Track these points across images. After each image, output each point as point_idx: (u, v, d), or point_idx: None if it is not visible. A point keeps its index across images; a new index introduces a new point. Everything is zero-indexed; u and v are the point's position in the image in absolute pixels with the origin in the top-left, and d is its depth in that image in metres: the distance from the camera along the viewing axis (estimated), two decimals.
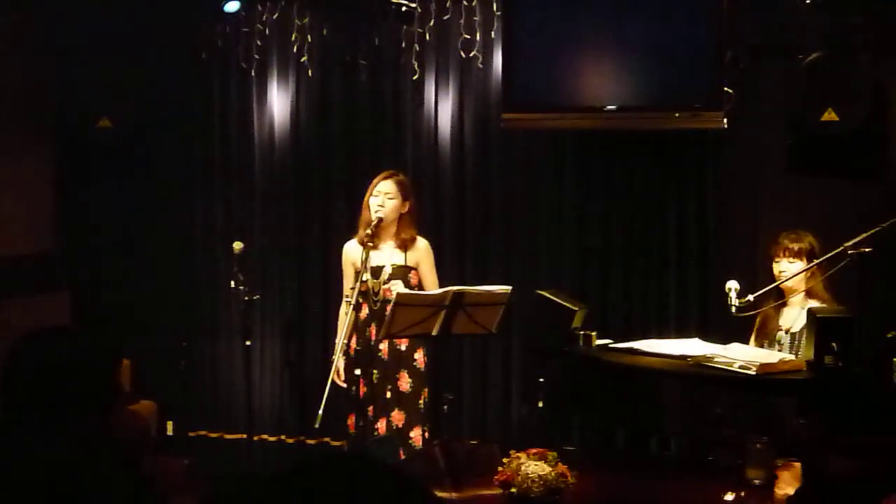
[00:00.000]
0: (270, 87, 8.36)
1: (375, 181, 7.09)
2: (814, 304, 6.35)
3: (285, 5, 8.21)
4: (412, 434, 7.01)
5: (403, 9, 7.67)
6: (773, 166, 7.59)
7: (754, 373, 5.35)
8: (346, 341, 6.89)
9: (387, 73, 8.17)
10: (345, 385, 7.02)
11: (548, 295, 6.22)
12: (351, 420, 7.11)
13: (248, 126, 8.44)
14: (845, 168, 7.40)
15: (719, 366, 5.51)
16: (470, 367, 8.09)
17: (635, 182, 7.79)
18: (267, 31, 8.30)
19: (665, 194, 7.73)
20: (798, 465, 4.97)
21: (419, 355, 7.09)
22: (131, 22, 8.15)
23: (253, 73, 8.36)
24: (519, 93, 7.55)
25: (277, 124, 8.36)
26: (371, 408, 7.06)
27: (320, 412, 6.44)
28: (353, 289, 6.86)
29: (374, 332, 6.94)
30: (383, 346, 7.02)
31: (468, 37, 7.91)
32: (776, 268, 6.58)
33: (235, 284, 7.41)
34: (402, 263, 7.07)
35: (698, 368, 5.59)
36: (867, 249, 6.00)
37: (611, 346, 6.18)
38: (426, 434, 6.99)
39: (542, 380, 6.15)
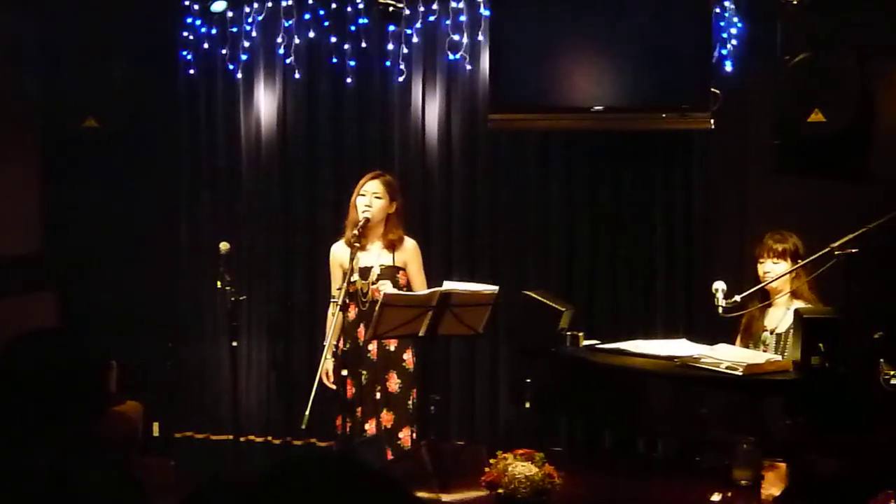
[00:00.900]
0: (257, 89, 8.34)
1: (362, 181, 7.09)
2: (799, 304, 6.35)
3: (272, 6, 8.20)
4: (401, 435, 7.01)
5: (390, 9, 7.66)
6: (760, 167, 7.60)
7: (741, 373, 5.36)
8: (334, 342, 6.90)
9: (374, 74, 8.16)
10: (334, 387, 7.02)
11: (535, 296, 6.22)
12: (338, 421, 7.12)
13: (235, 127, 8.42)
14: (832, 169, 7.41)
15: (706, 366, 5.52)
16: (457, 368, 8.08)
17: (622, 183, 7.79)
18: (253, 33, 8.29)
19: (652, 195, 7.73)
20: (784, 465, 4.97)
21: (408, 356, 7.09)
22: (117, 22, 8.14)
23: (239, 75, 8.34)
24: (506, 94, 7.56)
25: (264, 125, 8.34)
26: (360, 409, 7.07)
27: (307, 413, 6.44)
28: (339, 289, 6.86)
29: (362, 332, 6.94)
30: (372, 346, 7.02)
31: (455, 38, 7.90)
32: (761, 269, 6.59)
33: (222, 285, 7.41)
34: (391, 264, 7.07)
35: (685, 369, 5.60)
36: (853, 250, 6.02)
37: (598, 346, 6.19)
38: (415, 435, 6.99)
39: (529, 380, 6.14)
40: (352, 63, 8.12)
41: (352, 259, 6.85)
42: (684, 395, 5.60)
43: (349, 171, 8.02)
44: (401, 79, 8.07)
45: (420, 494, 5.11)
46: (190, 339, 8.54)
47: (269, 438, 8.42)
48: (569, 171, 7.88)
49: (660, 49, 7.28)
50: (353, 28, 8.08)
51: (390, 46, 8.05)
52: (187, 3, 8.31)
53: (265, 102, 8.34)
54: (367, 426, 7.04)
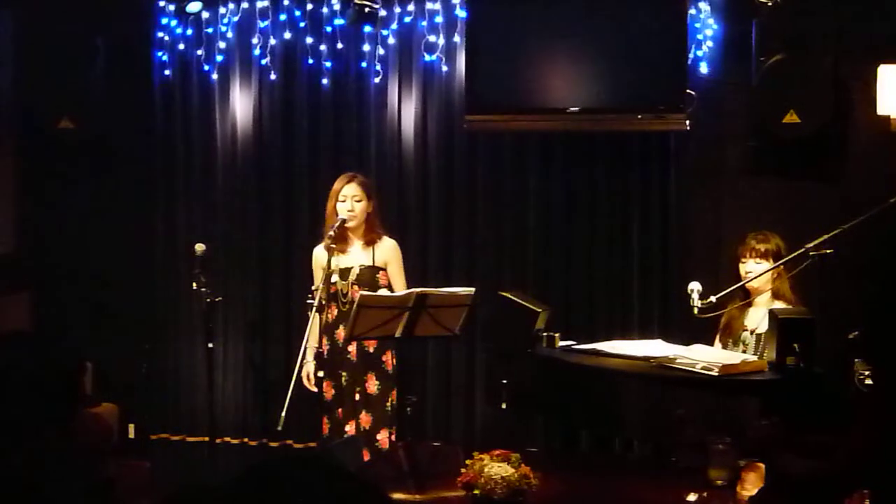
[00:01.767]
0: (233, 90, 8.32)
1: (338, 186, 7.08)
2: (779, 305, 6.38)
3: (247, 7, 8.18)
4: (379, 436, 7.02)
5: (366, 10, 7.65)
6: (736, 168, 7.63)
7: (716, 374, 5.37)
8: (314, 345, 6.91)
9: (350, 75, 8.15)
10: (315, 389, 7.02)
11: (511, 296, 6.22)
12: (324, 423, 7.13)
13: (211, 128, 8.40)
14: (807, 170, 7.44)
15: (682, 367, 5.52)
16: (433, 369, 8.08)
17: (598, 184, 7.80)
18: (229, 34, 8.27)
19: (628, 196, 7.74)
20: (762, 465, 4.98)
21: (388, 357, 7.09)
22: (92, 23, 8.12)
23: (215, 76, 8.32)
24: (482, 95, 7.57)
25: (240, 126, 8.32)
26: (340, 410, 7.07)
27: (283, 414, 6.44)
28: (315, 289, 6.85)
29: (341, 334, 6.94)
30: (352, 348, 7.03)
31: (431, 39, 7.90)
32: (742, 268, 6.60)
33: (197, 286, 7.39)
34: (371, 264, 7.07)
35: (661, 370, 5.60)
36: (828, 251, 6.05)
37: (574, 347, 6.19)
38: (393, 436, 6.99)
39: (505, 381, 6.14)
40: (328, 64, 8.11)
41: (329, 262, 6.84)
42: (660, 395, 5.60)
43: (325, 173, 8.02)
44: (377, 80, 8.06)
45: (396, 496, 5.12)
46: (166, 341, 8.52)
47: (246, 440, 8.40)
48: (545, 173, 7.88)
49: (635, 50, 7.31)
50: (329, 29, 8.07)
51: (366, 47, 8.04)
52: (162, 3, 8.29)
53: (241, 103, 8.32)
54: (347, 428, 7.04)
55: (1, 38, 8.16)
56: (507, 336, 6.22)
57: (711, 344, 6.55)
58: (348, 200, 7.03)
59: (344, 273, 7.03)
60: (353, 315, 6.27)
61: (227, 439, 8.36)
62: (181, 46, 8.37)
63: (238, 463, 8.23)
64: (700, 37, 7.53)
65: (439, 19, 7.87)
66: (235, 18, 8.23)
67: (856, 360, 5.58)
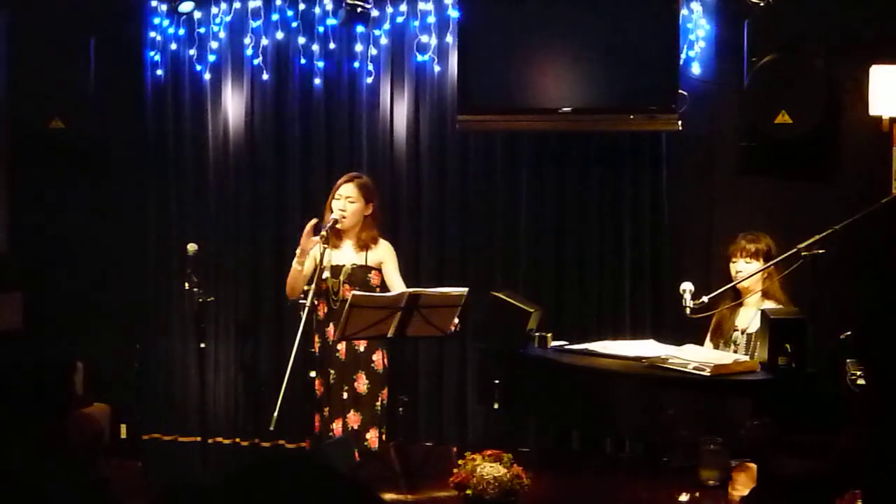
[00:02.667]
0: (225, 90, 8.31)
1: (339, 183, 7.11)
2: (770, 305, 6.39)
3: (240, 7, 8.18)
4: (368, 436, 7.01)
5: (358, 10, 7.65)
6: (728, 168, 7.64)
7: (708, 374, 5.37)
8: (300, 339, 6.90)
9: (342, 75, 8.14)
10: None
11: (503, 297, 6.23)
12: (316, 419, 7.13)
13: (203, 128, 8.39)
14: (799, 170, 7.45)
15: (674, 367, 5.53)
16: (425, 369, 8.08)
17: (591, 184, 7.80)
18: (221, 34, 8.26)
19: (620, 196, 7.74)
20: (754, 465, 4.98)
21: (377, 357, 7.08)
22: (84, 22, 8.11)
23: (207, 76, 8.31)
24: (474, 95, 7.57)
25: (232, 126, 8.31)
26: (327, 408, 7.06)
27: (275, 415, 6.43)
28: (306, 289, 6.85)
29: (332, 331, 6.93)
30: (341, 346, 7.02)
31: (424, 39, 7.90)
32: (733, 268, 6.61)
33: (189, 286, 7.38)
34: (363, 263, 7.06)
35: (653, 370, 5.61)
36: (820, 251, 6.06)
37: (566, 347, 6.20)
38: (383, 436, 6.98)
39: (497, 382, 6.15)
40: (320, 64, 8.10)
41: (322, 257, 6.84)
42: (652, 395, 5.61)
43: (317, 173, 8.03)
44: (369, 80, 8.05)
45: (388, 496, 5.11)
46: (158, 341, 8.51)
47: (238, 440, 8.39)
48: (537, 173, 7.88)
49: (628, 51, 7.31)
50: (321, 29, 8.07)
51: (359, 48, 8.04)
52: (154, 3, 8.28)
53: (233, 103, 8.31)
54: (333, 426, 7.04)
55: None
56: (500, 336, 6.22)
57: (702, 344, 6.56)
58: (342, 200, 7.04)
59: (335, 271, 7.02)
60: (345, 315, 6.27)
61: (219, 439, 8.35)
62: (173, 46, 8.36)
63: (230, 463, 8.22)
64: (692, 37, 7.53)
65: (431, 19, 7.87)
66: (228, 18, 8.23)
67: (847, 360, 5.59)
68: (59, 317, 8.12)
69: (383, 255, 7.15)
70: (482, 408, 7.58)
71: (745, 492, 4.92)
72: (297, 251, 7.00)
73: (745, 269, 6.55)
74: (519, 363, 6.17)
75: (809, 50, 7.24)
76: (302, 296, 6.93)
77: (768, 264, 6.46)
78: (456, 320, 6.64)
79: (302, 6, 8.08)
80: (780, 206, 7.41)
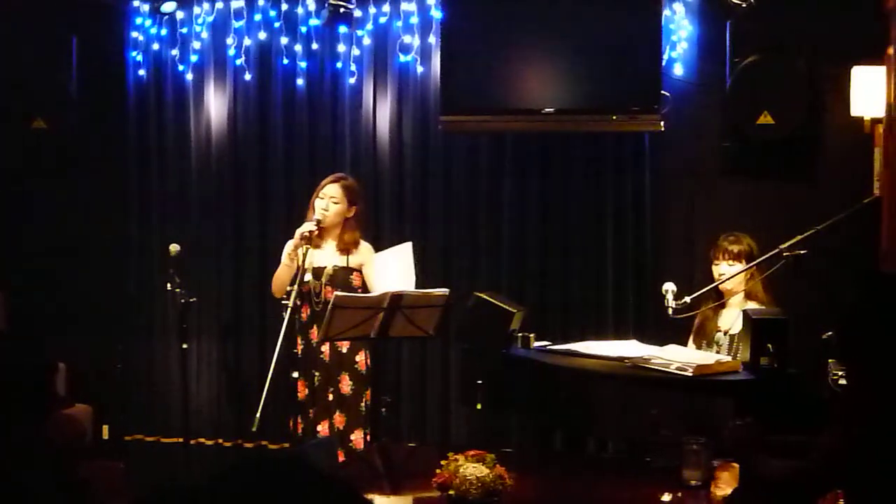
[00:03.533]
0: (207, 90, 8.30)
1: (323, 183, 7.10)
2: (753, 305, 6.40)
3: (222, 7, 8.17)
4: (353, 437, 7.01)
5: (341, 10, 7.65)
6: (710, 169, 7.65)
7: (691, 374, 5.38)
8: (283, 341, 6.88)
9: (325, 75, 8.14)
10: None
11: (486, 297, 6.22)
12: (292, 423, 7.12)
13: (185, 128, 8.38)
14: (781, 171, 7.47)
15: (656, 367, 5.54)
16: (408, 370, 8.08)
17: (574, 184, 7.81)
18: (204, 34, 8.25)
19: (603, 196, 7.75)
20: (736, 465, 5.00)
21: (361, 358, 7.08)
22: (66, 22, 8.10)
23: (190, 76, 8.30)
24: (457, 95, 7.57)
25: (214, 126, 8.31)
26: (312, 410, 7.06)
27: (258, 415, 6.42)
28: (289, 290, 6.84)
29: (315, 333, 6.93)
30: (325, 348, 7.02)
31: (407, 39, 7.90)
32: (715, 270, 6.63)
33: (171, 287, 7.38)
34: (344, 265, 7.06)
35: (635, 370, 5.61)
36: (802, 251, 6.07)
37: (549, 347, 6.20)
38: (367, 437, 6.98)
39: (480, 382, 6.14)
40: (303, 64, 8.10)
41: (303, 258, 6.83)
42: (635, 395, 5.62)
43: (300, 173, 8.04)
44: (352, 80, 8.06)
45: (371, 496, 5.11)
46: (140, 342, 8.49)
47: (220, 441, 8.39)
48: (520, 173, 7.89)
49: (610, 51, 7.32)
50: (304, 29, 8.07)
51: (341, 48, 8.04)
52: (137, 3, 8.27)
53: (216, 104, 8.30)
54: (319, 428, 7.04)
55: None
56: (483, 336, 6.21)
57: (685, 344, 6.57)
58: (325, 199, 7.04)
59: (317, 272, 7.02)
60: (328, 316, 6.26)
61: (202, 440, 8.35)
62: (155, 46, 8.35)
63: (213, 464, 8.21)
64: (674, 38, 7.55)
65: (414, 20, 7.88)
66: (210, 18, 8.22)
67: (829, 360, 5.61)
68: (40, 317, 8.09)
69: (365, 257, 7.14)
70: (465, 408, 7.58)
71: (728, 491, 4.94)
72: (290, 248, 6.99)
73: (728, 270, 6.56)
74: (502, 364, 6.17)
75: (791, 51, 7.26)
76: (285, 296, 6.92)
77: (750, 265, 6.47)
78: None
79: (284, 6, 8.08)
80: (763, 207, 7.43)
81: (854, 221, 6.42)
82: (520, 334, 6.16)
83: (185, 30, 8.26)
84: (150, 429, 8.51)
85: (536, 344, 6.20)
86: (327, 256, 7.09)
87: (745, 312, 5.81)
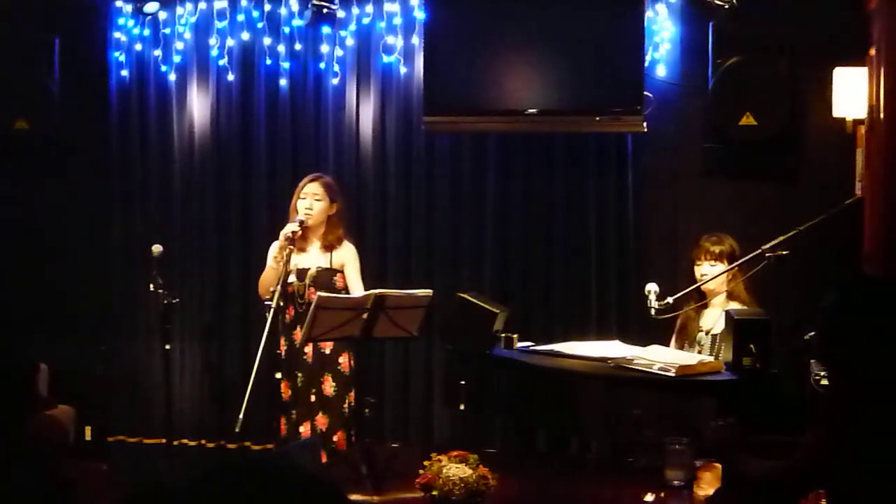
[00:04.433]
0: (190, 90, 8.29)
1: (302, 183, 7.10)
2: (735, 306, 6.42)
3: (205, 8, 8.16)
4: (336, 438, 7.01)
5: (325, 11, 7.64)
6: (692, 170, 7.67)
7: (673, 374, 5.39)
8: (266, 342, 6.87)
9: (308, 76, 8.14)
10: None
11: (469, 298, 6.22)
12: (282, 423, 7.12)
13: (168, 128, 8.36)
14: (763, 172, 7.49)
15: (639, 367, 5.55)
16: (391, 371, 8.08)
17: (557, 185, 7.81)
18: (186, 34, 8.24)
19: (586, 197, 7.76)
20: (719, 465, 5.01)
21: (343, 359, 7.08)
22: (48, 22, 8.08)
23: (172, 76, 8.29)
24: (440, 96, 7.57)
25: (197, 127, 8.29)
26: (295, 411, 7.06)
27: (241, 416, 6.41)
28: (273, 291, 6.83)
29: (298, 334, 6.92)
30: (308, 349, 7.01)
31: (390, 40, 7.90)
32: (698, 271, 6.64)
33: (154, 287, 7.36)
34: (328, 266, 7.06)
35: (618, 370, 5.62)
36: (784, 252, 6.09)
37: (532, 348, 6.20)
38: (352, 438, 6.98)
39: (463, 383, 6.14)
40: (286, 65, 8.09)
41: (287, 260, 6.83)
42: (617, 396, 5.62)
43: (283, 174, 8.02)
44: (335, 81, 8.05)
45: (354, 497, 5.11)
46: (123, 342, 8.47)
47: (203, 442, 8.37)
48: (503, 174, 7.89)
49: (593, 53, 7.33)
50: (287, 30, 8.06)
51: (325, 48, 8.03)
52: (119, 4, 8.25)
53: (199, 104, 8.29)
54: (301, 429, 7.03)
55: None
56: (466, 337, 6.21)
57: (668, 345, 6.58)
58: (308, 198, 7.04)
59: (301, 274, 7.02)
60: (311, 316, 6.25)
61: (185, 441, 8.32)
62: (138, 47, 8.33)
63: (196, 465, 8.19)
64: (657, 39, 7.57)
65: (398, 20, 7.88)
66: (193, 19, 8.21)
67: (811, 360, 5.62)
68: (22, 319, 8.07)
69: (346, 256, 7.14)
70: (448, 409, 7.58)
71: (710, 492, 4.95)
72: (275, 250, 6.99)
73: (710, 271, 6.58)
74: (485, 364, 6.17)
75: (774, 52, 7.28)
76: (268, 297, 6.92)
77: (733, 265, 6.49)
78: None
79: (267, 7, 8.07)
80: (745, 208, 7.45)
81: (836, 222, 6.44)
82: (503, 335, 6.17)
83: (167, 30, 8.24)
84: (133, 430, 8.48)
85: (520, 344, 6.21)
86: (311, 257, 7.09)
87: (727, 313, 5.83)
